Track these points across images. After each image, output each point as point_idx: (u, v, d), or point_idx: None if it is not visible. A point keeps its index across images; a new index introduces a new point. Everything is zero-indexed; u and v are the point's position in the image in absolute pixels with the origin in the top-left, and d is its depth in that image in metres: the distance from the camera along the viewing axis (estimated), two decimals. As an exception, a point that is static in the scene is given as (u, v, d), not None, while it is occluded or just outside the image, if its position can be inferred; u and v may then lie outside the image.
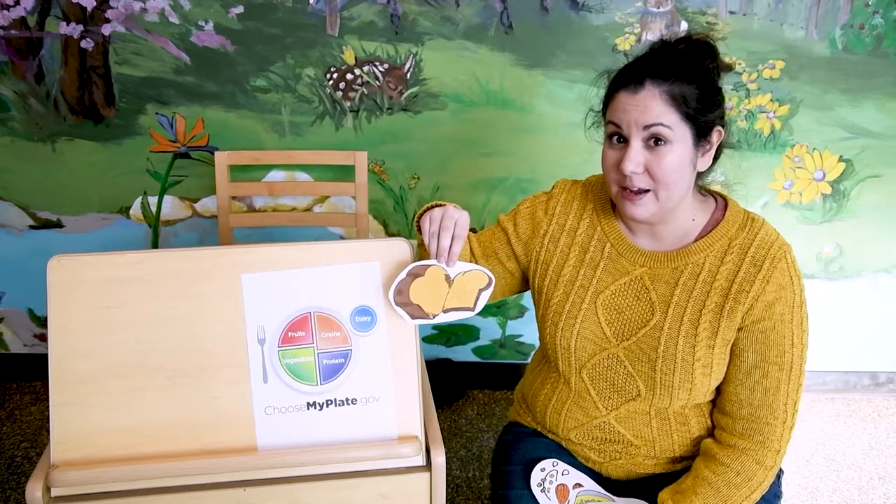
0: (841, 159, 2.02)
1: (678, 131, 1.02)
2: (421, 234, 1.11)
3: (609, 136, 1.08)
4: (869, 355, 2.29)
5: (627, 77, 1.04)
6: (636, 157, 1.03)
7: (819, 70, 1.90)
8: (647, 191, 1.05)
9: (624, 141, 1.05)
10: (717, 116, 1.06)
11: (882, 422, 2.24)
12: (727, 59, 1.09)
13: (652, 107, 1.01)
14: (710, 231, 1.11)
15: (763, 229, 1.10)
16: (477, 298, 1.10)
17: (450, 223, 1.06)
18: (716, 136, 1.07)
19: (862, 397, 2.34)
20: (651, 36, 1.86)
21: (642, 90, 1.02)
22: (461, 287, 1.09)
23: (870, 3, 1.84)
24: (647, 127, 1.02)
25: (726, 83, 1.25)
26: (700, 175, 1.10)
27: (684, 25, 1.85)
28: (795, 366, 1.08)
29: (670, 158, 1.03)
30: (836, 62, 1.90)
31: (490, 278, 1.10)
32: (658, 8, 1.83)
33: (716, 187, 1.20)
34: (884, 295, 2.19)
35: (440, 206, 1.10)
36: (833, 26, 1.86)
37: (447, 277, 1.08)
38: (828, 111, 1.96)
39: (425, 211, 1.14)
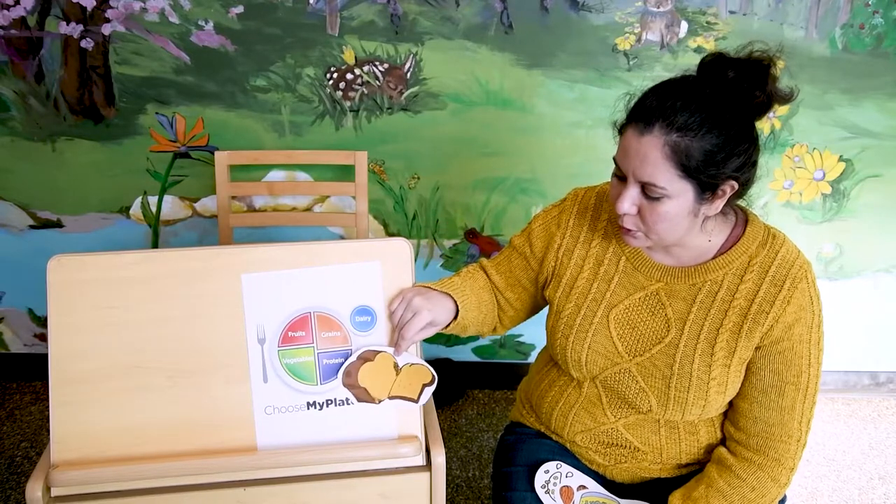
0: (841, 159, 2.02)
1: (674, 187, 0.98)
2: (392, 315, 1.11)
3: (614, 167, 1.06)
4: (869, 355, 2.29)
5: (642, 111, 0.99)
6: (629, 199, 1.01)
7: (819, 70, 1.90)
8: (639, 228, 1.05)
9: (625, 178, 1.02)
10: (731, 170, 0.98)
11: (882, 422, 2.24)
12: (786, 90, 1.01)
13: (650, 160, 0.97)
14: (730, 248, 1.08)
15: (784, 247, 1.08)
16: (421, 392, 1.11)
17: (408, 315, 1.08)
18: (728, 189, 1.00)
19: (862, 397, 2.34)
20: (651, 36, 1.86)
21: (648, 134, 0.97)
22: (407, 377, 1.10)
23: (870, 3, 1.84)
24: (641, 181, 0.99)
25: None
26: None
27: (684, 25, 1.85)
28: (811, 385, 1.07)
29: (662, 210, 1.00)
30: (836, 62, 1.90)
31: (433, 376, 1.11)
32: (658, 8, 1.83)
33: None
34: (884, 295, 2.19)
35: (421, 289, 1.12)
36: (833, 26, 1.86)
37: (395, 365, 1.10)
38: (828, 111, 1.96)
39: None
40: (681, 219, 1.01)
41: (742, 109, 0.99)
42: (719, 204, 1.02)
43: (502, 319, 1.26)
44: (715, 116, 0.96)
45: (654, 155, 0.97)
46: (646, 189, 1.00)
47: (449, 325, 1.13)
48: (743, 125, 0.99)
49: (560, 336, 1.18)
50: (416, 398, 1.10)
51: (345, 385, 1.09)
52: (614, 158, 1.04)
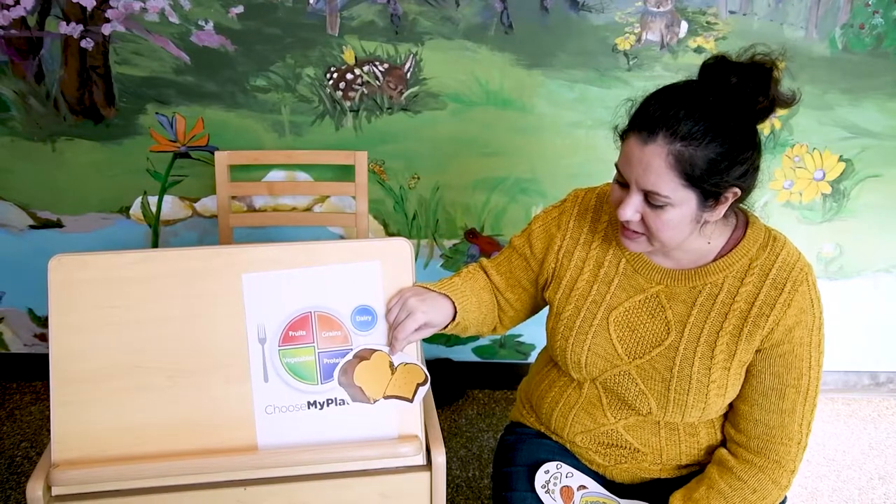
0: (841, 159, 2.02)
1: (678, 196, 0.97)
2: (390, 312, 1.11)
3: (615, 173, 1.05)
4: (869, 355, 2.29)
5: (645, 119, 0.98)
6: (632, 206, 1.01)
7: (819, 70, 1.90)
8: (643, 233, 1.04)
9: (627, 185, 1.02)
10: (734, 177, 0.98)
11: (882, 422, 2.24)
12: (788, 93, 1.00)
13: (653, 168, 0.96)
14: (731, 250, 1.08)
15: (785, 249, 1.07)
16: (415, 392, 1.11)
17: (403, 315, 1.07)
18: (731, 196, 1.00)
19: (862, 397, 2.34)
20: (651, 36, 1.86)
21: (652, 143, 0.96)
22: (402, 377, 1.11)
23: (870, 3, 1.84)
24: (645, 190, 0.99)
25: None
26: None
27: (684, 25, 1.85)
28: (812, 387, 1.07)
29: (666, 217, 0.99)
30: (836, 62, 1.90)
31: (426, 376, 1.11)
32: (658, 8, 1.83)
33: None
34: (884, 295, 2.19)
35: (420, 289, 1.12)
36: (833, 26, 1.86)
37: (391, 365, 1.10)
38: (828, 111, 1.96)
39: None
40: (684, 225, 1.01)
41: (745, 115, 0.98)
42: (722, 210, 1.02)
43: (502, 319, 1.26)
44: (718, 125, 0.96)
45: (657, 164, 0.96)
46: (649, 197, 0.99)
47: (447, 326, 1.13)
48: (746, 132, 0.98)
49: (560, 338, 1.18)
50: (410, 398, 1.10)
51: (340, 384, 1.09)
52: (616, 165, 1.04)
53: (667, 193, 0.97)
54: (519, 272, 1.24)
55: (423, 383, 1.11)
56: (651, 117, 0.97)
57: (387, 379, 1.10)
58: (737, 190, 1.00)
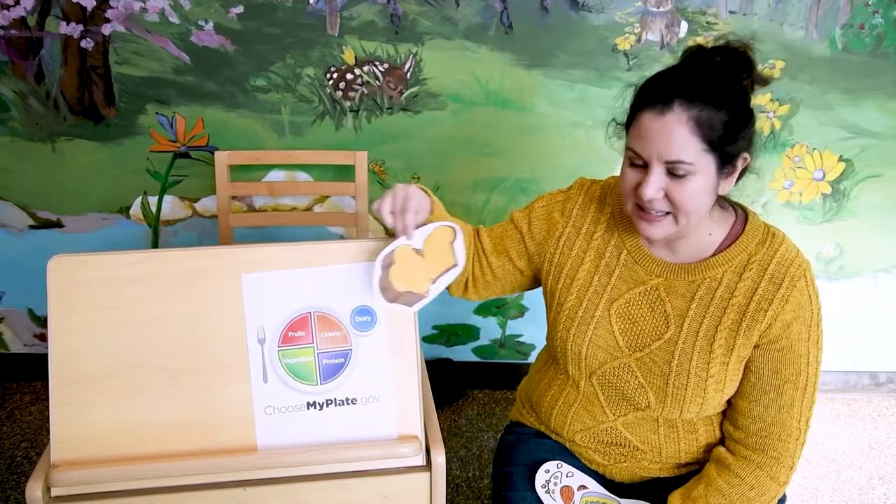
0: (841, 159, 2.02)
1: (701, 162, 0.98)
2: (382, 218, 1.07)
3: (629, 157, 1.05)
4: (869, 355, 2.29)
5: (656, 94, 0.99)
6: (656, 183, 1.00)
7: (819, 70, 1.90)
8: (668, 213, 1.03)
9: (644, 164, 1.01)
10: (744, 143, 1.01)
11: (882, 422, 2.24)
12: (765, 72, 1.04)
13: (676, 137, 0.97)
14: (729, 245, 1.09)
15: (783, 245, 1.08)
16: (455, 254, 1.09)
17: (401, 200, 1.04)
18: (741, 162, 1.03)
19: (862, 397, 2.34)
20: (651, 36, 1.86)
21: (669, 112, 0.97)
22: (433, 251, 1.07)
23: (870, 3, 1.84)
24: (668, 161, 0.99)
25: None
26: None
27: (684, 25, 1.85)
28: (810, 383, 1.07)
29: (691, 187, 0.99)
30: (836, 62, 1.90)
31: (454, 228, 1.08)
32: (658, 8, 1.83)
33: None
34: (884, 295, 2.19)
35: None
36: (833, 26, 1.86)
37: (416, 251, 1.07)
38: (828, 111, 1.96)
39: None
40: (706, 196, 1.02)
41: (738, 86, 1.01)
42: (733, 180, 1.04)
43: (477, 283, 1.24)
44: (724, 91, 0.99)
45: (679, 131, 0.97)
46: (672, 169, 0.99)
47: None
48: (744, 100, 1.02)
49: (561, 328, 1.18)
50: (454, 262, 1.07)
51: (389, 301, 1.05)
52: (629, 147, 1.03)
53: (691, 160, 0.98)
54: (509, 242, 1.23)
55: (455, 239, 1.08)
56: (664, 88, 0.99)
57: (421, 265, 1.07)
58: (746, 155, 1.03)
